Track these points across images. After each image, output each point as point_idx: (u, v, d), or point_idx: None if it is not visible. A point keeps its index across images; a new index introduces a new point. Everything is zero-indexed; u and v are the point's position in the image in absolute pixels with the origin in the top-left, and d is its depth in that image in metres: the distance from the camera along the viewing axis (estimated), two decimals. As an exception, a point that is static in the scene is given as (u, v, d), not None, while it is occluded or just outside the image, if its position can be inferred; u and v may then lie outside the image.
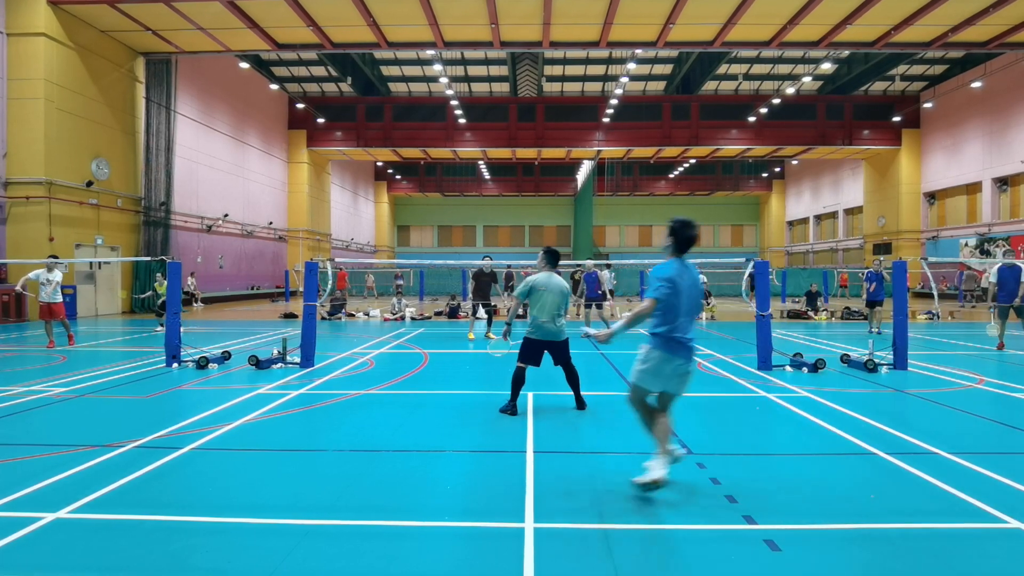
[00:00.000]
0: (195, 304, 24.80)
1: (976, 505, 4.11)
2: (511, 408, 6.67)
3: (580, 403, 6.85)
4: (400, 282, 31.42)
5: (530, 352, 6.71)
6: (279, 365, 9.76)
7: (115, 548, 3.50)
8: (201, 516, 3.95)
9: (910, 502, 4.21)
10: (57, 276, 12.42)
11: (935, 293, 13.04)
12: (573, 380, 6.82)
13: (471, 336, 13.99)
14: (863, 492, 4.41)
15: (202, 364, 9.60)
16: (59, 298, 12.46)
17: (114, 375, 9.05)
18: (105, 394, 7.71)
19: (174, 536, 3.65)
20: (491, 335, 14.02)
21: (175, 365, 9.74)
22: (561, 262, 7.31)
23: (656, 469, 4.14)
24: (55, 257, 13.12)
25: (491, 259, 14.26)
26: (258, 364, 9.53)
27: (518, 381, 6.69)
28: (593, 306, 15.32)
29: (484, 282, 14.28)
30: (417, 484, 4.57)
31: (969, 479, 4.60)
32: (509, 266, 22.09)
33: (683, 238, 4.29)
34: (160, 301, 15.14)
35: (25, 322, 17.42)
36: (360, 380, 8.74)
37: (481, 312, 14.81)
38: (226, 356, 10.23)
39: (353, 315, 20.48)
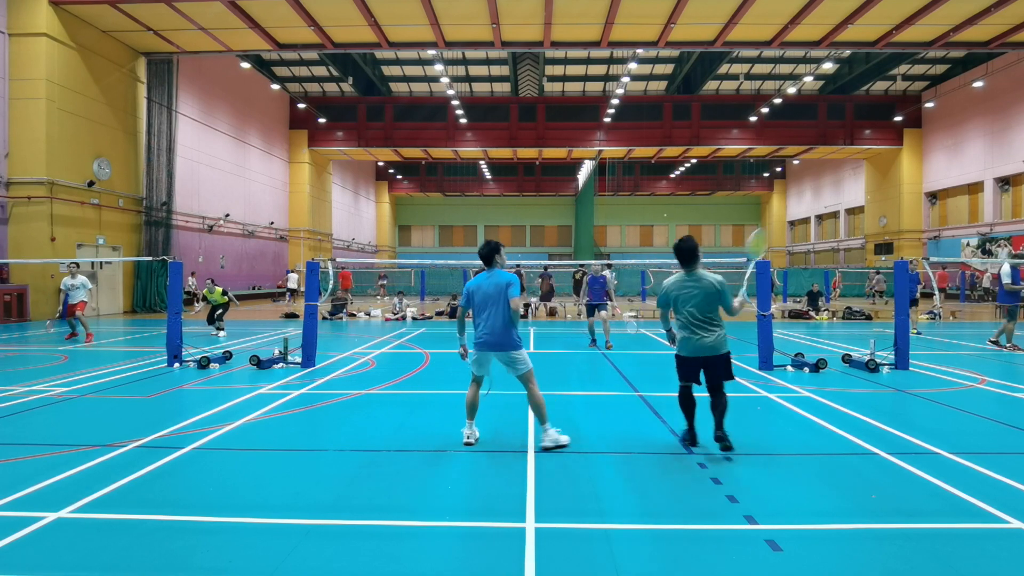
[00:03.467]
0: (196, 304, 24.81)
1: (977, 505, 4.10)
2: (690, 438, 5.47)
3: (719, 438, 5.20)
4: (383, 282, 31.03)
5: (685, 371, 5.42)
6: (280, 365, 9.77)
7: (115, 548, 3.50)
8: (201, 516, 3.96)
9: (911, 502, 4.21)
10: (78, 280, 13.46)
11: (936, 293, 13.04)
12: (718, 408, 5.26)
13: None
14: (864, 492, 4.40)
15: (203, 364, 9.61)
16: (79, 297, 13.42)
17: (115, 375, 9.05)
18: (106, 394, 7.72)
19: (174, 536, 3.65)
20: None
21: (176, 365, 9.75)
22: (561, 263, 6.90)
23: None
24: (75, 264, 14.00)
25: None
26: (259, 364, 9.54)
27: (685, 403, 5.52)
28: (596, 311, 13.21)
29: None
30: (417, 484, 4.56)
31: (970, 479, 4.60)
32: (518, 266, 19.98)
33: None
34: (216, 311, 15.11)
35: (27, 322, 17.44)
36: (361, 380, 8.74)
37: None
38: (227, 356, 10.24)
39: (354, 315, 20.48)
